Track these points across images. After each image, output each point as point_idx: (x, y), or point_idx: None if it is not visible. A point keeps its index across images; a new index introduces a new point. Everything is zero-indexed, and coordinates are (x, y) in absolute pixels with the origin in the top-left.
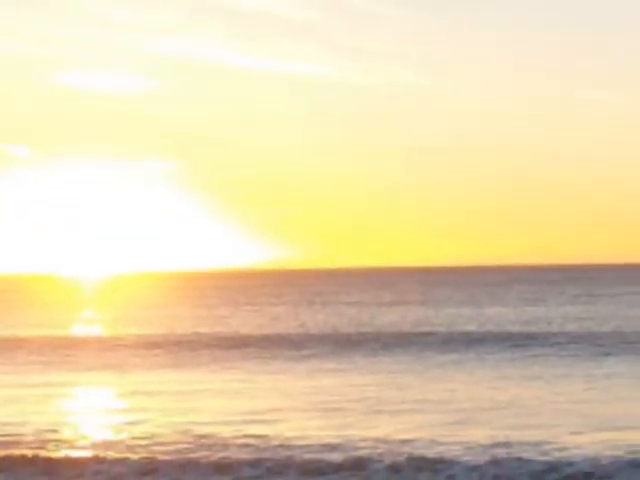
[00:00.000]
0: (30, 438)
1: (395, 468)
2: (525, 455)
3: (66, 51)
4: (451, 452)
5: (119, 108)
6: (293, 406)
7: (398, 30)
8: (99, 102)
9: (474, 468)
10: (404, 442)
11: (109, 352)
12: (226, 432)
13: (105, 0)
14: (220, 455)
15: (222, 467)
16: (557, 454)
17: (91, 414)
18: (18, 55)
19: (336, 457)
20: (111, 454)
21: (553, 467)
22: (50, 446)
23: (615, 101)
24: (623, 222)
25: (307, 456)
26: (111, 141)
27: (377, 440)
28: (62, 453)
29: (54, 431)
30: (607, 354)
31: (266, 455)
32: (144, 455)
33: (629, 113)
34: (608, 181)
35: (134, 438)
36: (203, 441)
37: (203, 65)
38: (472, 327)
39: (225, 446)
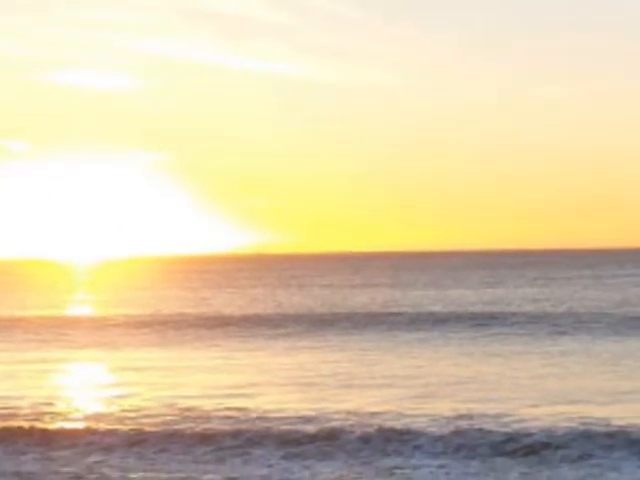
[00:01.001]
0: (27, 411)
1: (365, 439)
2: (486, 426)
3: (62, 52)
4: (417, 424)
5: (111, 105)
6: (271, 381)
7: (367, 31)
8: (92, 99)
9: (439, 438)
10: (374, 414)
11: (100, 331)
12: (209, 405)
13: (97, 5)
14: (203, 427)
15: (205, 438)
16: (516, 426)
17: (84, 388)
18: (17, 56)
19: (311, 428)
20: (102, 426)
21: (512, 438)
22: (45, 418)
23: (570, 96)
24: (576, 210)
25: (284, 427)
26: (103, 135)
27: (349, 412)
28: (57, 425)
29: (49, 404)
30: (562, 333)
31: (246, 426)
32: (133, 427)
33: (580, 107)
34: (561, 172)
35: (124, 411)
36: (188, 413)
37: (187, 65)
38: (437, 308)
39: (208, 418)
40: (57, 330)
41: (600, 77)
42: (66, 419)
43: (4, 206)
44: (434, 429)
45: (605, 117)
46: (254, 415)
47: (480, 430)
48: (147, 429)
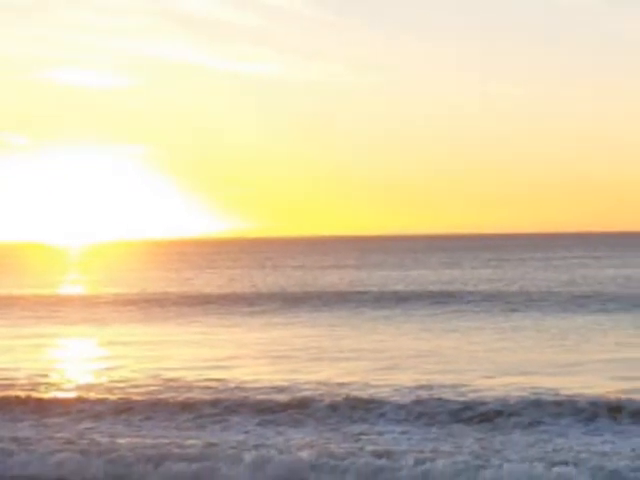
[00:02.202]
0: (23, 381)
1: (334, 407)
2: (445, 396)
3: (57, 53)
4: (381, 393)
5: (101, 102)
6: (247, 354)
7: (335, 33)
8: (85, 97)
9: (401, 407)
10: (341, 385)
11: (91, 308)
12: (190, 376)
13: (89, 9)
14: (185, 396)
15: (187, 406)
16: (472, 395)
17: (75, 361)
18: (16, 56)
19: (284, 397)
20: (92, 395)
21: (468, 406)
22: (40, 388)
23: (522, 94)
24: (527, 198)
25: (259, 397)
26: (94, 129)
27: (318, 383)
28: (51, 394)
29: (44, 375)
30: (514, 310)
31: (224, 396)
32: (121, 396)
33: (534, 104)
34: (513, 164)
35: (112, 381)
36: (171, 384)
37: (170, 65)
38: (400, 287)
39: (189, 388)
40: (51, 307)
41: (552, 77)
42: (59, 389)
43: (4, 194)
44: (397, 398)
45: (558, 112)
46: (232, 385)
47: (439, 399)
48: (134, 398)
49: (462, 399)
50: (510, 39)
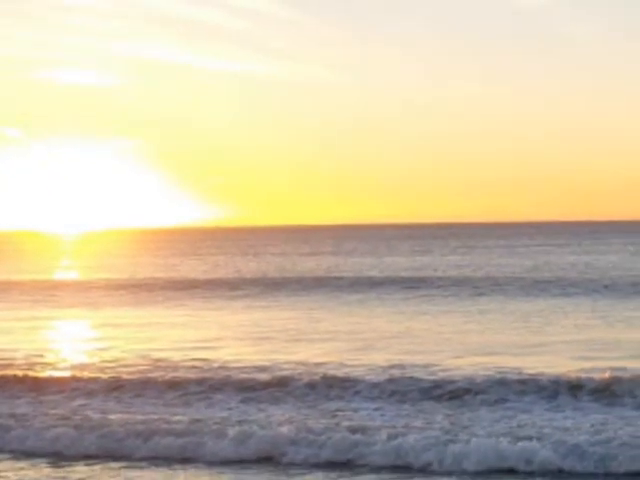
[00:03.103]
0: (21, 361)
1: (311, 385)
2: (416, 375)
3: (51, 53)
4: (356, 372)
5: (92, 98)
6: (230, 336)
7: (315, 35)
8: (77, 94)
9: (375, 385)
10: (319, 364)
11: (84, 293)
12: (177, 356)
13: (82, 13)
14: (172, 375)
15: (174, 384)
16: (441, 374)
17: (70, 342)
18: (13, 56)
19: (264, 376)
20: (86, 374)
21: (438, 384)
22: (37, 368)
23: (485, 92)
24: (492, 189)
25: (242, 376)
26: (86, 124)
27: (297, 363)
28: (47, 373)
29: (40, 355)
30: (481, 294)
31: (209, 375)
32: (112, 375)
33: (492, 102)
34: (477, 157)
35: (104, 361)
36: (159, 364)
37: (158, 64)
38: (373, 273)
39: (176, 368)
40: (47, 292)
41: (512, 76)
42: (55, 368)
43: (2, 185)
44: (371, 377)
45: (519, 109)
46: (216, 365)
47: (411, 378)
48: (124, 377)
49: (432, 378)
50: (471, 41)
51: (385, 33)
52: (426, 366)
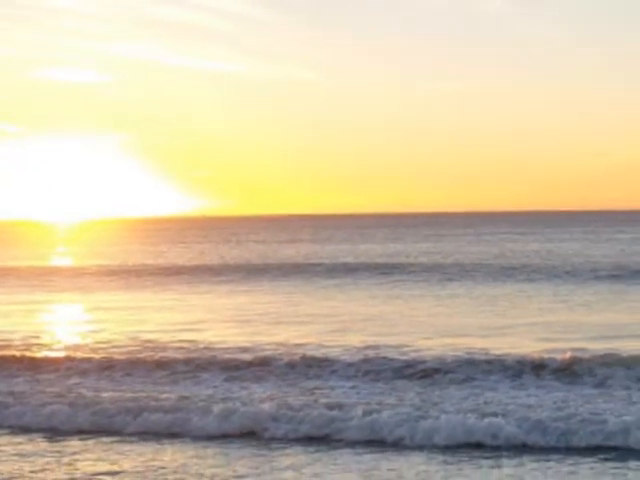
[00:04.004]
0: (18, 342)
1: (291, 365)
2: (389, 355)
3: (48, 54)
4: (333, 353)
5: (85, 95)
6: (215, 318)
7: (293, 36)
8: (71, 91)
9: (350, 365)
10: (298, 345)
11: (77, 278)
12: (165, 338)
13: (76, 16)
14: (160, 355)
15: (162, 364)
16: (413, 354)
17: (64, 324)
18: (12, 56)
19: (247, 356)
20: (79, 354)
21: (410, 364)
22: (33, 348)
23: (452, 88)
24: (462, 181)
25: (226, 356)
26: (79, 119)
27: (278, 344)
28: (43, 354)
29: (37, 337)
30: (450, 279)
31: (195, 355)
32: (104, 355)
33: (461, 98)
34: (449, 150)
35: (96, 342)
36: (148, 344)
37: (145, 63)
38: (349, 259)
39: (164, 348)
40: (43, 277)
41: (480, 73)
42: (50, 349)
43: (1, 177)
44: (347, 357)
45: (485, 104)
46: (202, 346)
47: (384, 358)
48: (115, 357)
49: (404, 358)
50: (438, 41)
51: (358, 34)
52: (398, 347)
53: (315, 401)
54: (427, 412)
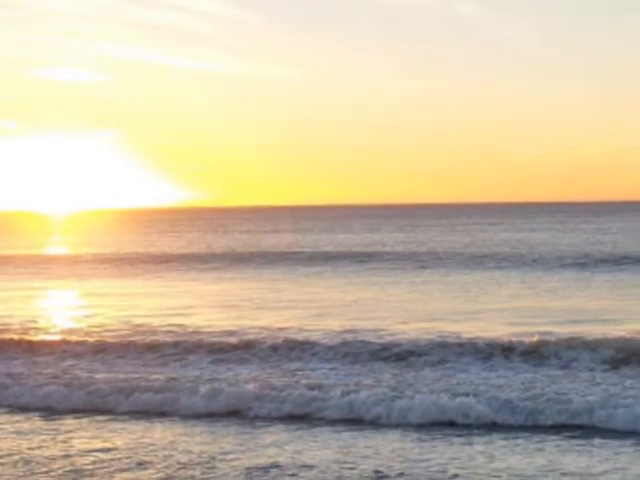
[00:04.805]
0: (17, 326)
1: (274, 347)
2: (366, 338)
3: (43, 53)
4: (314, 336)
5: (79, 93)
6: (202, 304)
7: (276, 37)
8: (66, 89)
9: (330, 347)
10: (281, 329)
11: (73, 266)
12: (155, 322)
13: (70, 18)
14: (151, 338)
15: (152, 347)
16: (389, 338)
17: (60, 309)
18: (11, 56)
19: (233, 340)
20: (74, 338)
21: (386, 347)
22: (31, 332)
23: (424, 87)
24: (435, 173)
25: (212, 339)
26: (74, 116)
27: (262, 328)
28: (40, 337)
29: (34, 321)
30: (424, 267)
31: (183, 338)
32: (97, 338)
33: (435, 94)
34: (421, 145)
35: (90, 326)
36: (139, 328)
37: (137, 63)
38: (329, 248)
39: (154, 332)
40: (40, 265)
41: (451, 72)
42: (47, 333)
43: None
44: (327, 340)
45: (455, 103)
46: (190, 330)
47: (362, 341)
48: (108, 340)
49: (381, 341)
50: (416, 42)
51: (338, 36)
52: (375, 331)
53: (296, 382)
54: (402, 392)
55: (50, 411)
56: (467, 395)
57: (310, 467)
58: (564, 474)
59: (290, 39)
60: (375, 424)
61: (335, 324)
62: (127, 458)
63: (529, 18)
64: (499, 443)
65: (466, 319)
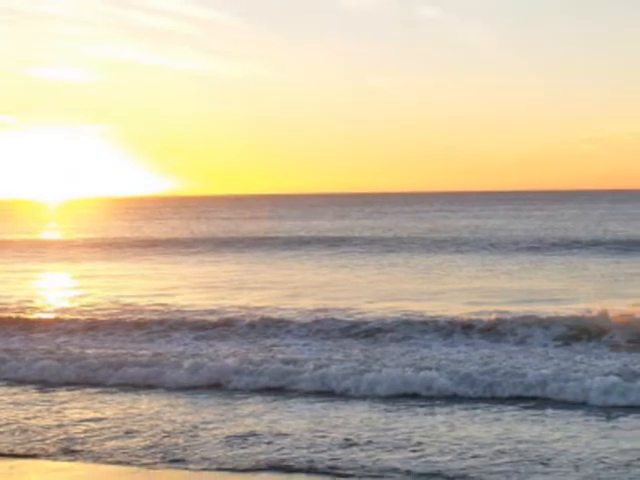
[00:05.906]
0: (14, 306)
1: (252, 325)
2: (337, 317)
3: (40, 53)
4: (289, 315)
5: (73, 91)
6: (186, 285)
7: (252, 38)
8: (61, 87)
9: (304, 325)
10: (258, 308)
11: (66, 250)
12: (142, 302)
13: (64, 21)
14: (138, 317)
15: (140, 325)
16: (358, 316)
17: (54, 290)
18: (10, 56)
19: (213, 318)
20: (67, 316)
21: (355, 325)
22: (27, 311)
23: (390, 84)
24: (400, 164)
25: (195, 317)
26: (68, 112)
27: (240, 307)
28: (35, 315)
29: (30, 301)
30: (390, 251)
31: (168, 317)
32: (89, 317)
33: (400, 92)
34: (389, 138)
35: (82, 305)
36: (127, 307)
37: (126, 63)
38: (303, 233)
39: (142, 311)
40: (35, 249)
41: (412, 72)
42: (42, 311)
43: None
44: (300, 318)
45: (419, 99)
46: (174, 309)
47: (333, 319)
48: (99, 319)
49: (350, 319)
50: (382, 42)
51: (308, 36)
52: (345, 309)
53: (272, 357)
54: (370, 366)
55: (45, 384)
56: (430, 369)
57: (285, 435)
58: (519, 442)
59: (264, 40)
60: (345, 396)
61: (308, 303)
62: (116, 427)
63: (487, 22)
64: (459, 413)
65: (429, 299)
